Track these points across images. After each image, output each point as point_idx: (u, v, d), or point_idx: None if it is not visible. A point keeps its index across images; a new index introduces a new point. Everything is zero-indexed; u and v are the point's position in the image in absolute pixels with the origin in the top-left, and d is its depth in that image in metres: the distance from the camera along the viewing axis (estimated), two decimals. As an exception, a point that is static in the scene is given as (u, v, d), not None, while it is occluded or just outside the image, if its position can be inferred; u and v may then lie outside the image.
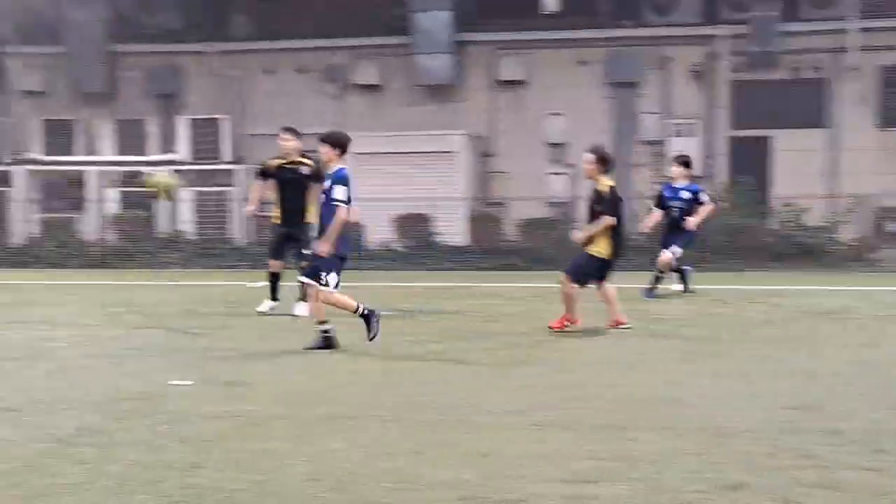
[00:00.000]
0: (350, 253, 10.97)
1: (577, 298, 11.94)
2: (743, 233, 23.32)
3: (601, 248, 11.97)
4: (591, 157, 11.98)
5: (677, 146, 25.21)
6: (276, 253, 13.94)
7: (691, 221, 16.10)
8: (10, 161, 27.06)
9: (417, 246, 24.67)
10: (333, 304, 10.54)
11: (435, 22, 26.10)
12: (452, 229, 24.98)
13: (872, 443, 6.51)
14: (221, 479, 5.75)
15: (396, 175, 25.08)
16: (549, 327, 11.91)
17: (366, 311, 10.65)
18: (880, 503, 5.35)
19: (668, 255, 16.02)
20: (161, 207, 25.89)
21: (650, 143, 26.04)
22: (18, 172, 26.85)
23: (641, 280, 16.11)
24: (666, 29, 26.03)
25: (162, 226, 26.21)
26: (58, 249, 25.37)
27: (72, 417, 7.36)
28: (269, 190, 13.95)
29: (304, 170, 13.56)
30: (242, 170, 25.90)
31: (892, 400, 8.01)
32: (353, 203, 10.60)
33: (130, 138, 26.95)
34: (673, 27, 26.03)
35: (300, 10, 26.35)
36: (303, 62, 27.42)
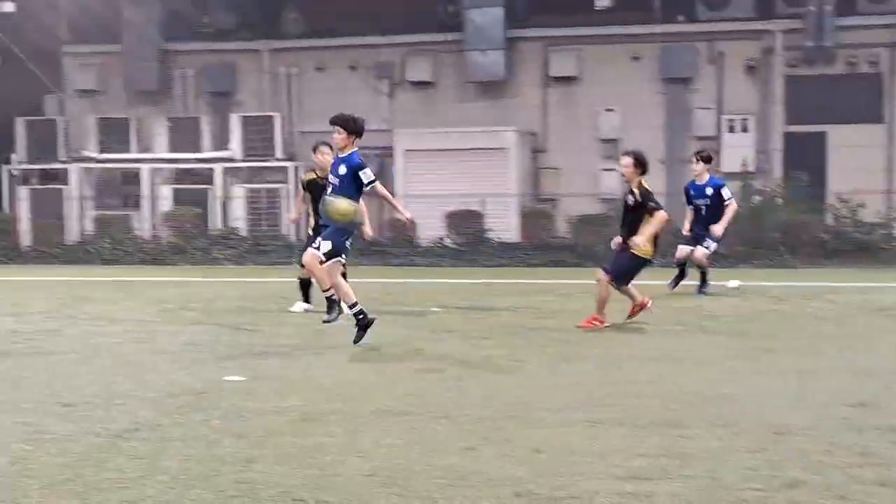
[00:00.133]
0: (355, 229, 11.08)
1: (609, 299, 11.98)
2: (798, 229, 23.09)
3: (647, 249, 12.01)
4: (629, 160, 12.24)
5: (731, 142, 25.03)
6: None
7: (716, 230, 15.81)
8: (65, 159, 27.35)
9: (469, 242, 24.63)
10: (315, 274, 10.69)
11: (487, 18, 26.05)
12: (504, 226, 24.92)
13: (932, 441, 6.43)
14: (275, 475, 5.78)
15: (448, 172, 25.05)
16: (578, 327, 11.93)
17: (335, 298, 10.83)
18: (940, 502, 5.28)
19: (701, 250, 15.86)
20: (214, 205, 26.07)
21: (703, 138, 25.82)
22: (74, 170, 27.14)
23: (666, 276, 15.94)
24: (719, 24, 25.77)
25: (215, 223, 26.38)
26: (112, 246, 25.58)
27: (127, 413, 7.43)
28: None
29: None
30: (294, 167, 26.00)
31: (952, 398, 7.90)
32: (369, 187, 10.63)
33: (184, 136, 27.11)
34: (727, 22, 25.77)
35: (352, 8, 26.33)
36: (355, 59, 27.43)
